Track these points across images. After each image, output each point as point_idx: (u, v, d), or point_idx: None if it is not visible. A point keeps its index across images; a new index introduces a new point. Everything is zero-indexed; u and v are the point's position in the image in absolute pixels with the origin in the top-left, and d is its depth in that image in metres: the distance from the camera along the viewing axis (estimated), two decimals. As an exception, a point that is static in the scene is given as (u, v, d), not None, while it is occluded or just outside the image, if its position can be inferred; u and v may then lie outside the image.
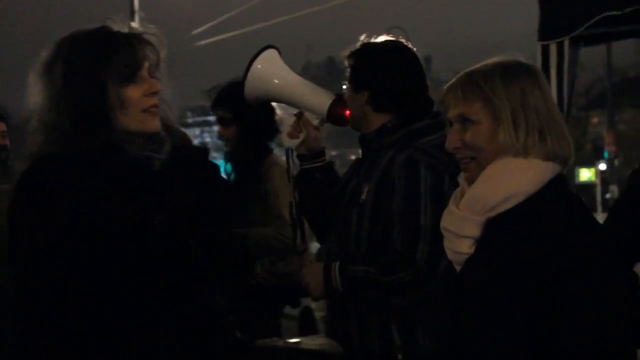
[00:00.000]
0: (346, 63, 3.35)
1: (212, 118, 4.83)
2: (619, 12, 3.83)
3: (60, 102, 2.25)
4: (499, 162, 2.10)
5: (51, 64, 2.29)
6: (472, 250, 2.12)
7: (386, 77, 3.27)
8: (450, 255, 2.18)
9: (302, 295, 4.87)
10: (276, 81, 3.36)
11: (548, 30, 4.06)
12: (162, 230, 2.25)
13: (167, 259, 2.27)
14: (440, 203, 3.03)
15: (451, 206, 2.19)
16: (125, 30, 2.35)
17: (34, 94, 2.30)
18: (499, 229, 2.09)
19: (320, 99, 3.32)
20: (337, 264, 3.20)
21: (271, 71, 3.35)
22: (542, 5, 4.10)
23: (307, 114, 3.35)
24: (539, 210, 2.06)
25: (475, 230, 2.11)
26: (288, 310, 5.32)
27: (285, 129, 3.46)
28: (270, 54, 3.37)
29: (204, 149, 3.00)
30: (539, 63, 4.05)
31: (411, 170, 3.13)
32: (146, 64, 2.31)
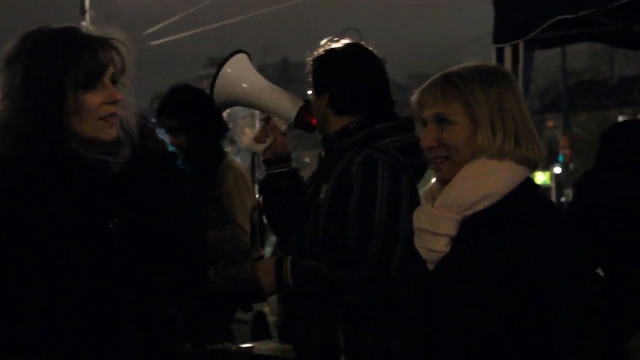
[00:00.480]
0: (309, 68, 3.36)
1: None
2: (573, 16, 3.83)
3: (16, 101, 2.20)
4: (476, 164, 2.16)
5: (13, 57, 2.22)
6: (447, 249, 2.17)
7: (344, 80, 3.28)
8: (424, 254, 2.21)
9: (254, 300, 4.83)
10: (245, 85, 3.38)
11: (503, 33, 4.06)
12: (117, 234, 2.22)
13: (121, 263, 2.23)
14: (396, 203, 3.11)
15: (425, 205, 2.24)
16: (93, 32, 2.28)
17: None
18: (475, 227, 2.15)
19: (288, 105, 3.34)
20: (289, 258, 3.20)
21: (240, 75, 3.38)
22: (496, 8, 4.09)
23: (274, 119, 3.37)
24: (513, 209, 2.14)
25: (451, 229, 2.16)
26: (241, 315, 5.29)
27: (237, 125, 3.50)
28: (240, 58, 3.41)
29: (170, 154, 2.95)
30: (493, 65, 4.04)
31: (369, 169, 3.14)
32: (109, 71, 2.25)
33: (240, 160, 5.07)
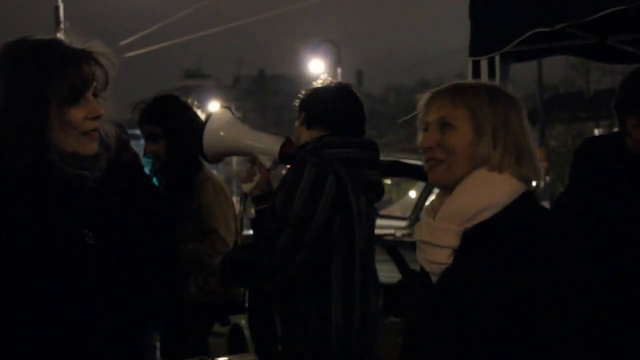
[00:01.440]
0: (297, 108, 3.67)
1: (139, 132, 4.73)
2: (550, 29, 3.85)
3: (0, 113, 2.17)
4: (477, 175, 2.20)
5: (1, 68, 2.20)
6: (450, 261, 2.19)
7: (318, 99, 3.61)
8: (426, 266, 2.23)
9: (231, 312, 4.81)
10: (229, 137, 3.70)
11: (479, 46, 4.07)
12: (92, 248, 2.21)
13: (96, 277, 2.21)
14: (314, 197, 3.34)
15: (426, 218, 2.26)
16: (76, 45, 2.25)
17: None
18: (477, 238, 2.17)
19: (271, 143, 3.64)
20: (227, 252, 3.57)
21: (224, 129, 3.70)
22: (473, 21, 4.10)
23: (260, 158, 3.64)
24: (515, 220, 2.14)
25: (453, 241, 2.19)
26: (217, 327, 5.26)
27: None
28: (221, 113, 3.74)
29: (141, 168, 2.95)
30: (469, 78, 4.05)
31: (298, 167, 3.39)
32: (93, 85, 2.24)
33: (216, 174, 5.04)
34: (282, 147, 3.62)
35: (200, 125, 4.60)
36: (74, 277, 2.18)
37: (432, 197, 2.50)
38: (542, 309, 2.06)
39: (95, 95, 2.26)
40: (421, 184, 9.27)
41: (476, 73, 4.04)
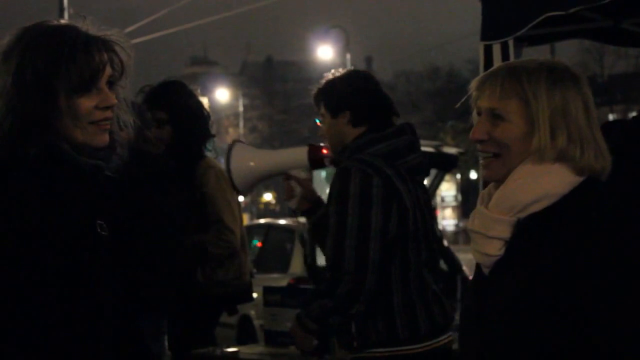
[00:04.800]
0: (317, 101, 3.61)
1: (145, 118, 4.68)
2: (563, 13, 3.79)
3: (7, 101, 2.12)
4: (531, 164, 2.05)
5: (8, 54, 2.14)
6: (501, 252, 2.06)
7: (362, 96, 3.56)
8: (478, 258, 2.11)
9: (239, 302, 4.78)
10: (254, 165, 3.73)
11: (491, 30, 4.01)
12: (105, 239, 2.17)
13: (108, 268, 2.17)
14: (365, 206, 3.33)
15: (479, 207, 2.12)
16: (91, 32, 2.19)
17: None
18: (531, 230, 2.03)
19: (297, 155, 3.67)
20: (297, 313, 3.46)
21: (252, 159, 3.74)
22: (485, 4, 4.05)
23: (294, 173, 3.65)
24: (572, 212, 1.99)
25: (505, 232, 2.05)
26: (226, 318, 5.24)
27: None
28: (240, 147, 3.78)
29: (159, 157, 2.91)
30: (481, 63, 4.01)
31: (342, 178, 3.38)
32: (105, 73, 2.16)
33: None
34: (310, 154, 3.63)
35: (207, 116, 4.58)
36: (83, 266, 2.14)
37: (444, 184, 2.38)
38: (591, 310, 1.92)
39: (112, 83, 2.20)
40: (433, 171, 9.23)
41: (488, 58, 3.99)
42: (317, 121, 3.66)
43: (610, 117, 37.33)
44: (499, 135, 2.06)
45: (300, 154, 3.67)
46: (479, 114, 2.12)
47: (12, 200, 2.09)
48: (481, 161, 2.13)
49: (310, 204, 3.65)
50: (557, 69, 2.09)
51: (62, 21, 2.23)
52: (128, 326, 2.25)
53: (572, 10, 3.76)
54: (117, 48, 2.21)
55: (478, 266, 2.15)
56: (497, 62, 3.96)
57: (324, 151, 3.65)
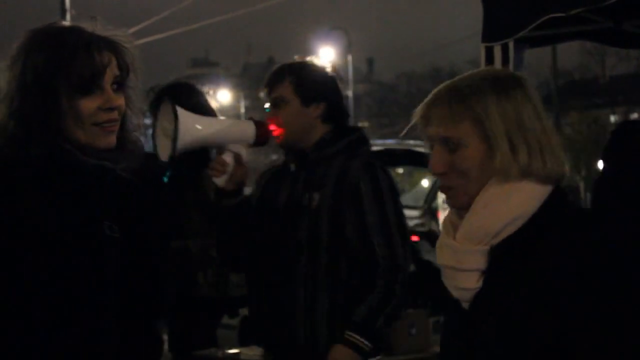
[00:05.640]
0: (278, 80, 3.48)
1: (148, 121, 4.66)
2: (564, 14, 3.79)
3: (10, 103, 2.13)
4: (494, 187, 1.93)
5: (15, 58, 2.15)
6: (480, 284, 1.95)
7: (337, 92, 3.55)
8: (456, 293, 1.98)
9: (241, 305, 4.78)
10: (200, 127, 3.25)
11: (492, 31, 4.01)
12: (112, 240, 2.17)
13: (113, 269, 2.17)
14: (398, 201, 3.47)
15: (446, 239, 2.00)
16: (98, 32, 2.19)
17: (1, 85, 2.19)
18: (507, 255, 1.93)
19: (243, 128, 3.32)
20: (353, 335, 3.32)
21: (195, 121, 3.25)
22: (485, 6, 4.05)
23: (232, 147, 3.31)
24: (546, 229, 1.90)
25: (480, 263, 1.94)
26: (227, 320, 5.23)
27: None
28: (183, 111, 3.23)
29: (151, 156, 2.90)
30: (483, 65, 4.01)
31: (372, 173, 3.40)
32: (109, 74, 2.16)
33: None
34: (257, 130, 3.33)
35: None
36: (88, 267, 2.14)
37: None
38: (580, 331, 1.83)
39: (120, 85, 2.19)
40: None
41: (489, 59, 3.99)
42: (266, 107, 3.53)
43: (612, 118, 37.32)
44: (459, 164, 1.95)
45: (246, 127, 3.33)
46: (430, 142, 2.00)
47: (14, 201, 2.09)
48: (444, 193, 2.03)
49: (236, 186, 3.36)
50: (500, 78, 2.00)
51: (68, 23, 2.24)
52: (138, 327, 2.24)
53: (573, 12, 3.76)
54: (123, 49, 2.20)
55: (452, 302, 2.03)
56: (498, 63, 3.96)
57: (271, 129, 3.41)
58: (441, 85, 2.01)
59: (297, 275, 3.46)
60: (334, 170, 3.43)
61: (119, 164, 2.21)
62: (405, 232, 3.47)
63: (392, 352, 4.45)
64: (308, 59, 3.57)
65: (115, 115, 2.18)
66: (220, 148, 3.33)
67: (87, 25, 2.20)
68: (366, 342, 3.33)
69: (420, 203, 9.08)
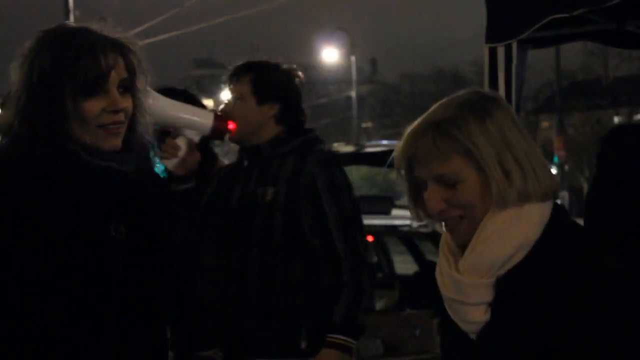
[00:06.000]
0: (238, 78, 3.58)
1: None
2: (567, 15, 3.79)
3: (18, 103, 2.14)
4: (493, 217, 1.88)
5: (25, 56, 2.17)
6: (487, 316, 1.90)
7: (294, 93, 3.59)
8: (463, 326, 1.93)
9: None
10: (157, 104, 3.14)
11: (495, 32, 4.01)
12: (119, 241, 2.17)
13: (120, 270, 2.17)
14: (353, 195, 3.53)
15: (447, 270, 1.95)
16: (106, 33, 2.19)
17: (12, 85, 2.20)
18: (514, 285, 1.88)
19: (202, 116, 3.29)
20: (339, 337, 3.38)
21: (153, 97, 3.11)
22: (489, 7, 4.05)
23: (186, 132, 3.26)
24: (551, 254, 1.86)
25: (486, 295, 1.89)
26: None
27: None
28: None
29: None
30: (486, 66, 4.01)
31: (328, 169, 3.46)
32: (114, 76, 2.16)
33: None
34: (215, 122, 3.29)
35: None
36: (91, 269, 2.14)
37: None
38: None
39: (128, 87, 2.19)
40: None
41: (492, 60, 3.99)
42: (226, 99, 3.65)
43: (616, 119, 37.28)
44: (460, 199, 1.89)
45: (205, 117, 3.30)
46: (419, 183, 1.94)
47: (18, 201, 2.10)
48: (445, 227, 1.96)
49: (187, 172, 3.25)
50: (476, 101, 1.92)
51: (78, 24, 2.24)
52: (143, 328, 2.24)
53: (576, 13, 3.76)
54: (131, 51, 2.21)
55: (456, 333, 1.97)
56: (501, 64, 3.97)
57: (230, 125, 3.39)
58: (418, 121, 1.94)
59: (249, 271, 3.48)
60: (288, 167, 3.50)
61: (125, 165, 2.21)
62: (362, 226, 3.50)
63: (397, 353, 4.46)
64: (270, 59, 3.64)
65: (120, 117, 2.18)
66: (176, 132, 3.28)
67: (96, 27, 2.20)
68: (350, 340, 3.38)
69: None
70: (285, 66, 3.64)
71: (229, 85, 3.65)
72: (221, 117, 3.36)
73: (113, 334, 2.17)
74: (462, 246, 1.94)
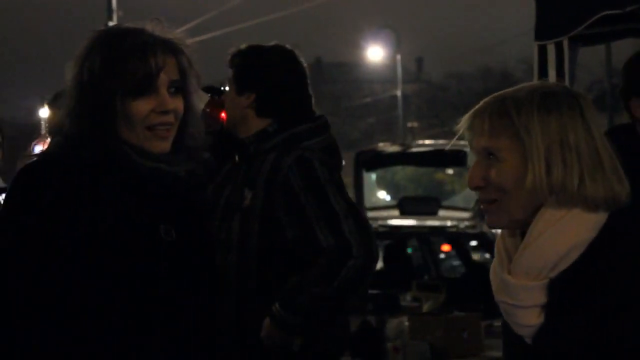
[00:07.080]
0: (230, 64, 3.31)
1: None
2: (619, 11, 3.71)
3: (69, 101, 2.14)
4: (547, 215, 1.85)
5: (78, 56, 2.16)
6: (542, 319, 1.87)
7: (273, 82, 3.25)
8: (518, 330, 1.91)
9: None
10: None
11: (545, 29, 3.95)
12: (168, 243, 2.15)
13: (168, 271, 2.15)
14: (342, 189, 3.16)
15: (500, 272, 1.92)
16: (158, 33, 2.16)
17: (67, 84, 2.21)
18: (568, 287, 1.84)
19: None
20: (271, 312, 3.13)
21: None
22: (538, 3, 3.98)
23: None
24: (605, 257, 1.82)
25: (540, 298, 1.86)
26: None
27: None
28: None
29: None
30: (535, 64, 3.95)
31: (306, 167, 3.13)
32: (164, 77, 2.13)
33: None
34: (208, 106, 3.24)
35: None
36: (141, 272, 2.12)
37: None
38: None
39: (178, 88, 2.17)
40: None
41: (542, 58, 3.92)
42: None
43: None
44: (495, 179, 1.87)
45: (201, 99, 3.28)
46: (475, 154, 1.94)
47: (67, 203, 2.08)
48: (482, 207, 1.95)
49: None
50: (551, 94, 1.89)
51: (131, 24, 2.22)
52: (181, 329, 2.20)
53: (628, 9, 3.69)
54: (182, 52, 2.18)
55: (514, 336, 1.94)
56: (552, 62, 3.90)
57: (222, 115, 3.30)
58: (490, 96, 1.94)
59: (227, 278, 3.24)
60: (266, 167, 3.21)
61: (174, 167, 2.18)
62: (361, 219, 3.18)
63: (445, 357, 4.41)
64: (265, 45, 3.35)
65: (170, 118, 2.15)
66: None
67: (149, 27, 2.18)
68: (289, 316, 3.11)
69: (471, 205, 8.95)
70: (274, 49, 3.34)
71: None
72: (213, 103, 3.27)
73: (160, 336, 2.14)
74: (515, 240, 1.92)
